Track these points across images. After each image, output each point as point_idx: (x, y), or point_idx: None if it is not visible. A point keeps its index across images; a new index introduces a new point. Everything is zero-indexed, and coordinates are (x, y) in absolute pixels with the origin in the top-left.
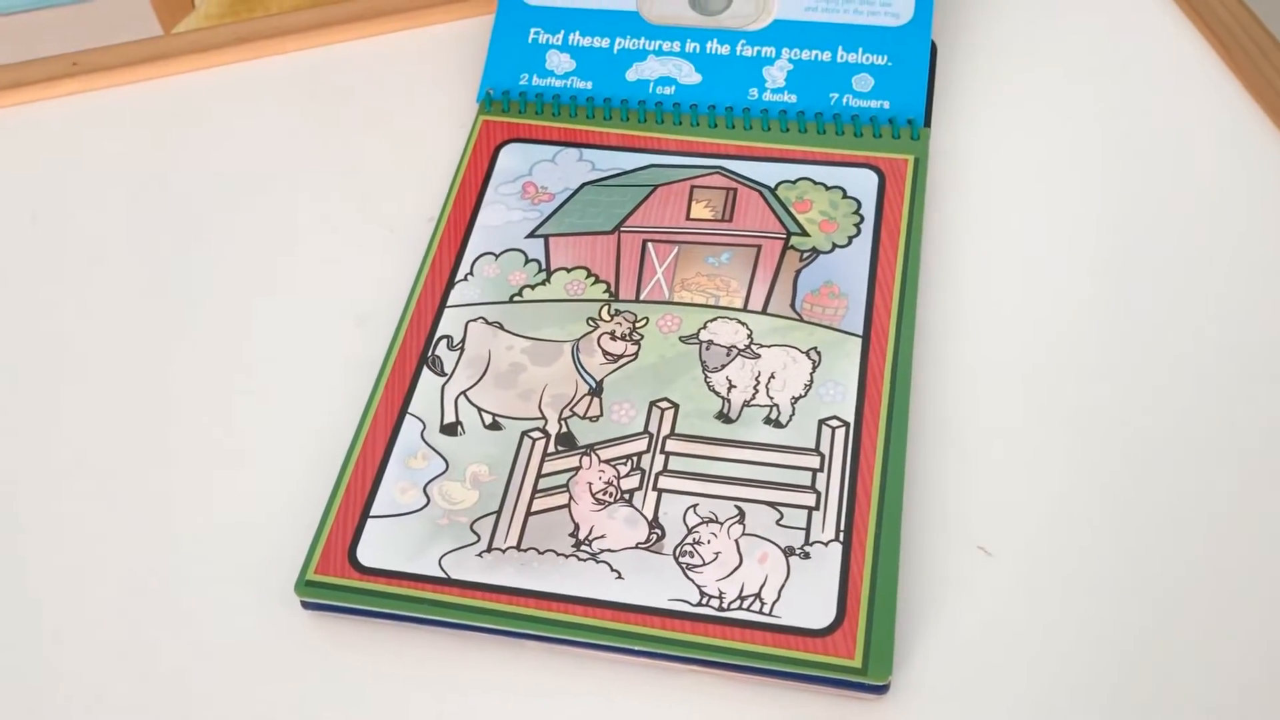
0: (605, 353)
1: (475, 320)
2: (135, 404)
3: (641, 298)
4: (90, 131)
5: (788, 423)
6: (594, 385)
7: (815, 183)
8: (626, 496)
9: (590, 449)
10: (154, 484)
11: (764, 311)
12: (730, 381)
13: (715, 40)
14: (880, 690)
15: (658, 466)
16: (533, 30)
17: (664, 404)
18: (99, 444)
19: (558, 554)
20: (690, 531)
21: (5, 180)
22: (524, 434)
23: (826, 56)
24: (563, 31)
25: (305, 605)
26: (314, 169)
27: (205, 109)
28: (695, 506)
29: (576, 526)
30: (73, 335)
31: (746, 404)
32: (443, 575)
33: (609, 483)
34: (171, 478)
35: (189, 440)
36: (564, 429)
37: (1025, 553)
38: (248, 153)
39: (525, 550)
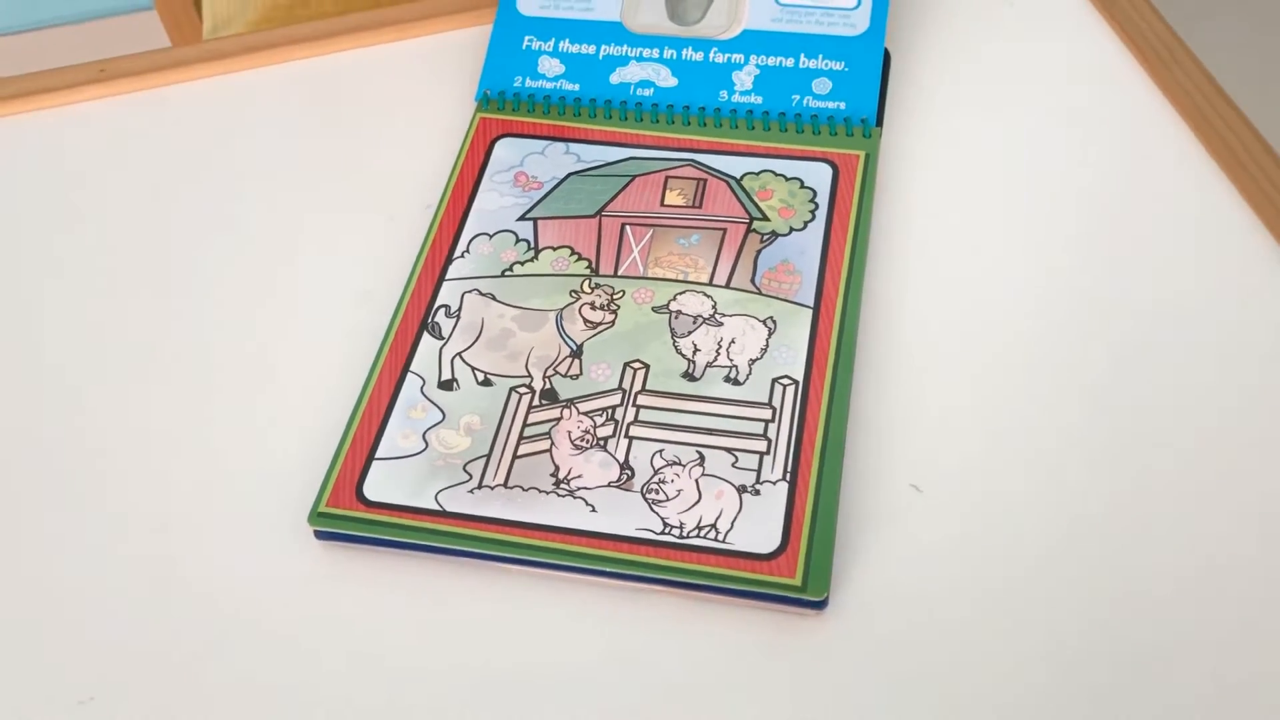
0: (586, 320)
1: (470, 292)
2: (170, 370)
3: (619, 273)
4: (116, 132)
5: (745, 381)
6: (575, 348)
7: (776, 174)
8: (601, 443)
9: (570, 403)
10: (187, 433)
11: (727, 286)
12: (696, 346)
13: (690, 48)
14: (819, 606)
15: (630, 418)
16: (527, 38)
17: (636, 365)
18: (141, 401)
19: (540, 491)
20: (656, 472)
21: (38, 178)
22: (512, 389)
23: (790, 62)
24: (554, 39)
25: (317, 535)
26: (324, 164)
27: (224, 111)
28: (661, 451)
29: (557, 468)
30: (106, 319)
31: (709, 365)
32: (438, 508)
33: (586, 431)
34: (202, 428)
35: (216, 398)
36: (548, 385)
37: (952, 490)
38: (263, 150)
39: (511, 487)
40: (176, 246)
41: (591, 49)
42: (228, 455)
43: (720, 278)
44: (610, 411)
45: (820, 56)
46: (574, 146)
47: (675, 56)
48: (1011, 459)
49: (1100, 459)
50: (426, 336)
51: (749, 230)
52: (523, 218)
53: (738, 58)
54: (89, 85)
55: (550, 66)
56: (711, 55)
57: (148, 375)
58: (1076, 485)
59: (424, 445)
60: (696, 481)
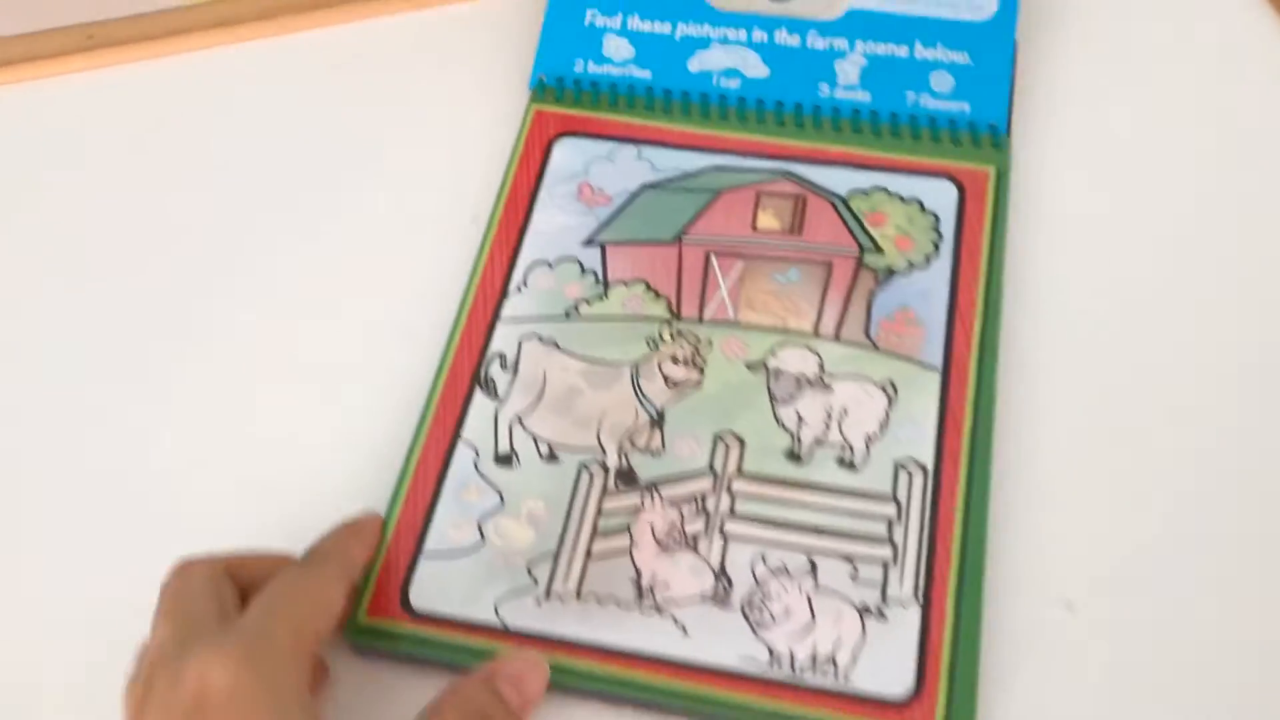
0: (667, 378)
1: (530, 338)
2: (160, 424)
3: (705, 317)
4: (103, 110)
5: (861, 465)
6: (655, 414)
7: (890, 193)
8: (691, 541)
9: (653, 487)
10: (201, 507)
11: (836, 338)
12: (800, 416)
13: (784, 30)
14: None
15: (724, 508)
16: (589, 12)
17: (729, 439)
18: (134, 475)
19: (618, 604)
20: (759, 584)
21: (17, 160)
22: (582, 466)
23: (903, 52)
24: (621, 14)
25: (355, 649)
26: (348, 160)
27: (228, 89)
28: (764, 556)
29: (638, 573)
30: (88, 327)
31: (817, 442)
32: (499, 624)
33: (673, 524)
34: (214, 501)
35: (226, 466)
36: (624, 463)
37: (1117, 612)
38: (273, 140)
39: (585, 598)
40: (165, 258)
41: (666, 28)
42: (251, 535)
43: (827, 327)
44: (700, 500)
45: (939, 45)
46: (647, 150)
47: (766, 40)
48: (1188, 565)
49: None
50: (479, 394)
51: (860, 265)
52: (589, 242)
53: (841, 44)
54: (75, 55)
55: (617, 48)
56: (810, 40)
57: (134, 429)
58: (1267, 600)
59: (479, 538)
60: (808, 598)
